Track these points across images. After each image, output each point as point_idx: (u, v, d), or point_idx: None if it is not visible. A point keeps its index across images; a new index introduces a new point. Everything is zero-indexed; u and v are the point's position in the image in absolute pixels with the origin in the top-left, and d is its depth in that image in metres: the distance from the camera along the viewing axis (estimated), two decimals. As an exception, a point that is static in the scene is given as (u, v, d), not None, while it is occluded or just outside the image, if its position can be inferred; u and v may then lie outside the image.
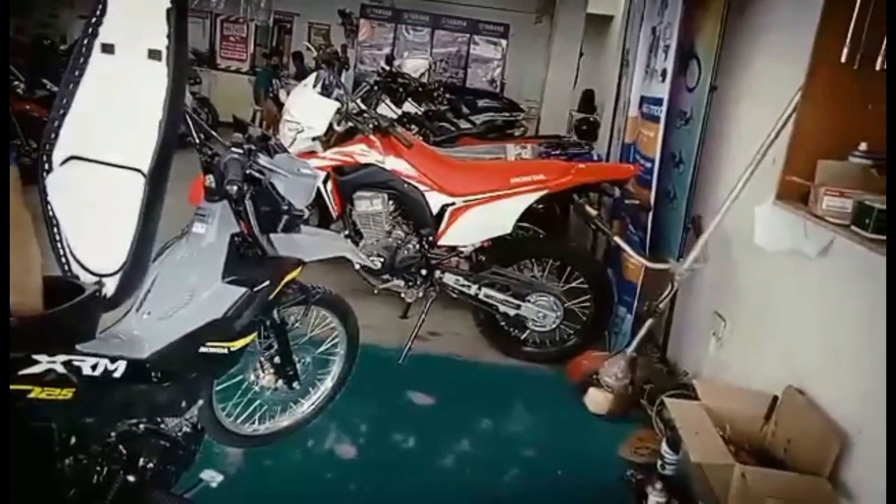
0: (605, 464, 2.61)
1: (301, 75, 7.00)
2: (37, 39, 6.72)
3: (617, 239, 2.98)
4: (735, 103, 2.93)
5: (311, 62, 9.44)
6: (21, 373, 1.29)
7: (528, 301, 3.28)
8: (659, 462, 2.25)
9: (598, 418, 2.89)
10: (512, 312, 3.29)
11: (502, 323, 3.41)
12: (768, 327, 2.48)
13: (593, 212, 3.04)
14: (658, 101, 3.15)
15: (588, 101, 9.55)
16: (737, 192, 2.53)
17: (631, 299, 3.28)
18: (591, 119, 8.18)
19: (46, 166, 1.69)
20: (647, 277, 3.14)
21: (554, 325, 3.33)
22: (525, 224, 3.51)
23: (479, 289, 3.29)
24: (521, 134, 5.71)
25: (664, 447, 2.22)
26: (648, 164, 3.22)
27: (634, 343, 2.93)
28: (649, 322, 2.87)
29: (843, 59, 1.86)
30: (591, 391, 2.92)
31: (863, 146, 1.91)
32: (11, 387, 1.27)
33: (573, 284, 3.34)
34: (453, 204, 3.22)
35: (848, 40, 1.85)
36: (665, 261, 2.85)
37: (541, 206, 3.30)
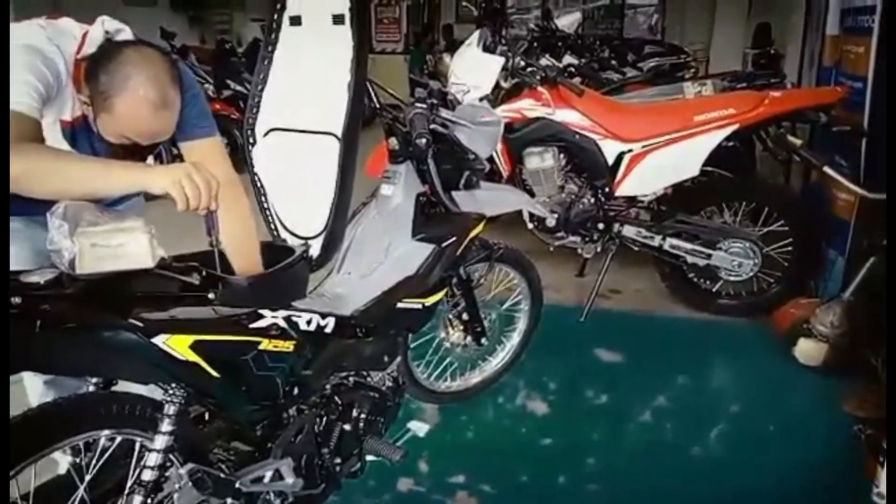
0: (826, 418, 2.36)
1: (451, 48, 7.01)
2: (219, 44, 7.31)
3: (828, 169, 2.63)
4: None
5: (460, 35, 9.44)
6: (252, 326, 1.39)
7: (720, 249, 3.03)
8: None
9: (812, 371, 2.62)
10: (702, 263, 3.06)
11: (691, 275, 3.20)
12: None
13: (797, 141, 2.71)
14: (868, 10, 2.75)
15: (763, 34, 8.63)
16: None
17: (842, 239, 2.92)
18: (772, 52, 7.39)
19: (251, 140, 1.82)
20: (861, 212, 2.77)
21: (751, 274, 3.05)
22: (705, 167, 3.22)
23: (664, 239, 3.09)
24: (691, 77, 5.27)
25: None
26: (858, 85, 2.82)
27: (852, 286, 2.60)
28: (871, 261, 2.53)
29: None
30: (802, 342, 2.64)
31: None
32: (244, 338, 1.38)
33: (771, 228, 3.04)
34: (630, 151, 3.03)
35: None
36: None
37: (730, 143, 3.01)
